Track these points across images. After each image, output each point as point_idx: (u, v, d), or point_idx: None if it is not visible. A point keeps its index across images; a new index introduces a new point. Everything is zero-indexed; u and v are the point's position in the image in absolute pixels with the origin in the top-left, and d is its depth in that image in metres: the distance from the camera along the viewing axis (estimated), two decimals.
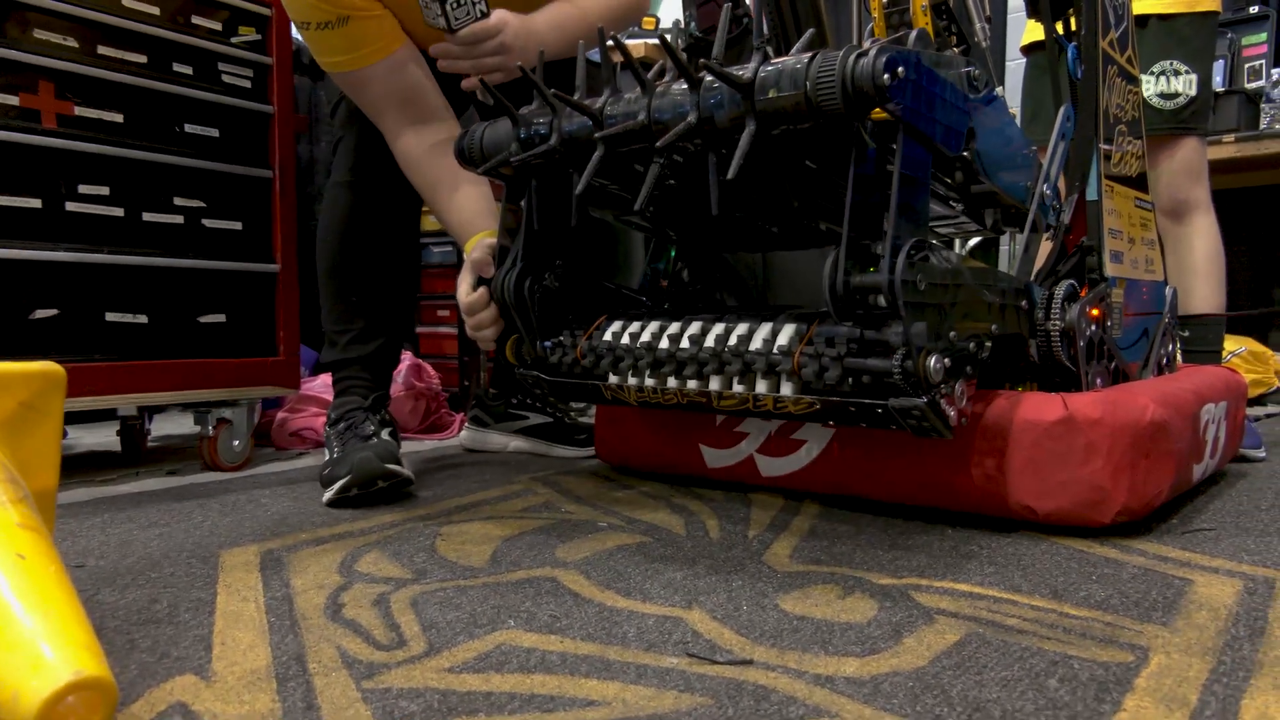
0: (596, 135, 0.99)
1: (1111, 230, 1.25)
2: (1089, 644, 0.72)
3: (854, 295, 0.90)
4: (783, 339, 0.99)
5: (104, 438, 2.07)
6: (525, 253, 1.19)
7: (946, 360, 0.92)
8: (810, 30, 0.97)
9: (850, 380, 0.94)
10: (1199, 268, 1.65)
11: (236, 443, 1.63)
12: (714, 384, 1.05)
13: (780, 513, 1.17)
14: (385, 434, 1.40)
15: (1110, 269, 1.22)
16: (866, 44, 0.86)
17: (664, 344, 1.08)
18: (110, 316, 1.47)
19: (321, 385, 1.97)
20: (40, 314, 1.40)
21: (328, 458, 1.36)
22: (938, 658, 0.69)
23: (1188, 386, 1.19)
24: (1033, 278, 1.16)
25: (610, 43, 1.00)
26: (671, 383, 1.08)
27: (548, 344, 1.20)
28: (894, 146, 0.90)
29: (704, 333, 1.06)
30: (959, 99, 0.98)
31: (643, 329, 1.12)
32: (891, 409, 0.93)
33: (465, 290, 1.23)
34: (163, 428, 2.24)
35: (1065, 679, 0.65)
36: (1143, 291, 1.33)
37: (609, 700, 0.63)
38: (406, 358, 2.13)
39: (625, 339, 1.12)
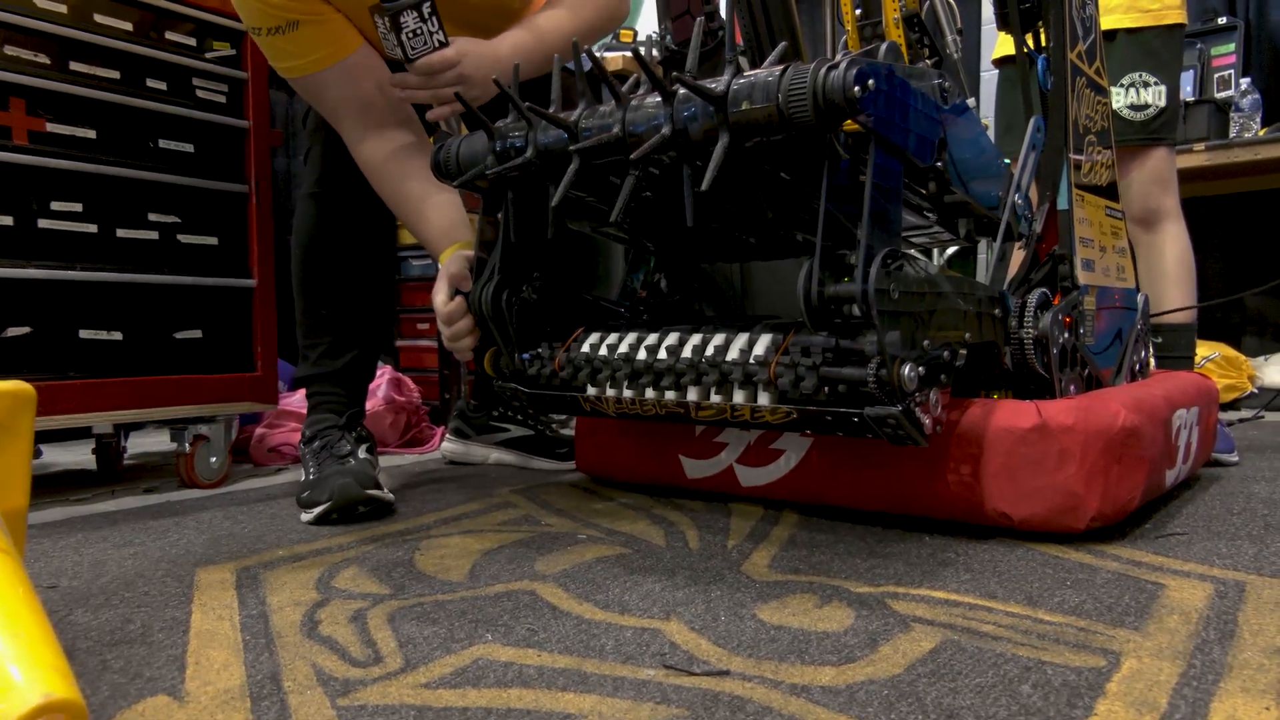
0: (572, 149, 1.00)
1: (1083, 239, 1.26)
2: (1062, 649, 0.72)
3: (829, 305, 0.90)
4: (759, 349, 1.00)
5: (80, 456, 2.05)
6: (503, 265, 1.19)
7: (921, 369, 0.92)
8: (783, 43, 0.98)
9: (826, 389, 0.94)
10: (1170, 274, 1.67)
11: (214, 459, 1.61)
12: (692, 394, 1.05)
13: (760, 522, 1.18)
14: (362, 451, 1.39)
15: (1082, 277, 1.24)
16: (838, 56, 0.87)
17: (641, 355, 1.08)
18: (84, 334, 1.46)
19: (300, 400, 1.95)
20: (12, 332, 1.38)
21: (304, 478, 1.35)
22: (913, 665, 0.70)
23: (1159, 392, 1.21)
24: (1006, 286, 1.18)
25: (585, 58, 1.00)
26: (649, 393, 1.08)
27: (526, 356, 1.20)
28: (866, 157, 0.91)
29: (681, 343, 1.07)
30: (931, 109, 0.99)
31: (620, 340, 1.12)
32: (867, 417, 0.93)
33: (442, 300, 1.23)
34: (139, 445, 2.22)
35: (1038, 684, 0.66)
36: (1114, 298, 1.34)
37: (585, 713, 0.63)
38: (386, 371, 2.13)
39: (603, 350, 1.12)
